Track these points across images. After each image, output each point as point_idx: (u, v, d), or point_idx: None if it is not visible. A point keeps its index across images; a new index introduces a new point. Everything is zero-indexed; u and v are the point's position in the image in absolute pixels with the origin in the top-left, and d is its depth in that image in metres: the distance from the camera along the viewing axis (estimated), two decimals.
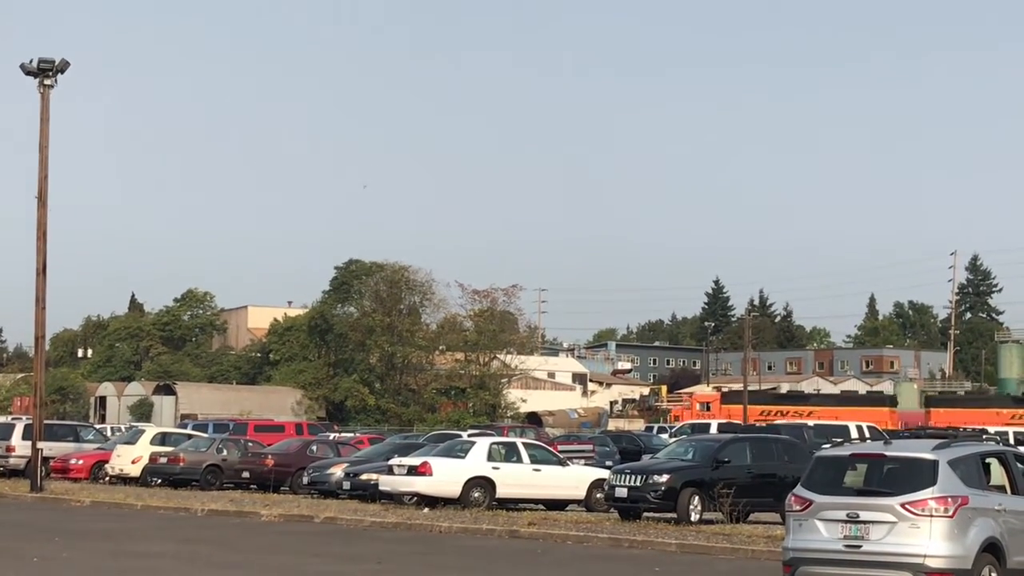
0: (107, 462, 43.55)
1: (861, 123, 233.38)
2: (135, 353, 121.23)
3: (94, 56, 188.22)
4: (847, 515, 15.76)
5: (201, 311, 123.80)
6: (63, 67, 37.64)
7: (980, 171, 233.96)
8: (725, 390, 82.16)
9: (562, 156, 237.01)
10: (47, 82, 37.70)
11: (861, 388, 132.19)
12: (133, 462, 42.54)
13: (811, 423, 55.78)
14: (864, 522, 15.65)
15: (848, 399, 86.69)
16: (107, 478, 43.02)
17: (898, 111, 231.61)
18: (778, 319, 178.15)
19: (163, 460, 41.36)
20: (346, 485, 35.06)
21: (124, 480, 42.10)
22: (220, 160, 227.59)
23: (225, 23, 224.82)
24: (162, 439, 44.30)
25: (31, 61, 37.64)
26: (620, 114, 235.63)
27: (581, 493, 32.95)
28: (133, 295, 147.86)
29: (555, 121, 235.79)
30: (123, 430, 58.21)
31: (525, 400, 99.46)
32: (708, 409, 78.24)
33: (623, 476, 28.87)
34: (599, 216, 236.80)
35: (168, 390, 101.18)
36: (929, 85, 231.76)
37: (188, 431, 49.74)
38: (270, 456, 40.68)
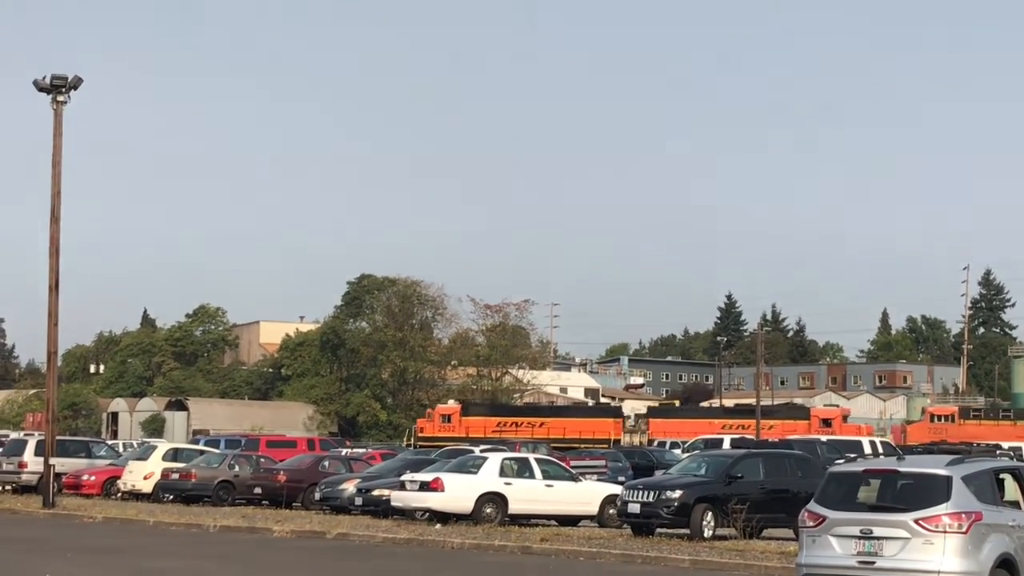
0: (119, 478, 43.57)
1: (874, 135, 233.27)
2: (147, 369, 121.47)
3: (102, 69, 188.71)
4: (861, 531, 15.72)
5: (213, 326, 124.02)
6: (76, 83, 37.71)
7: (994, 184, 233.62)
8: (467, 402, 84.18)
9: (574, 172, 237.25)
10: (60, 98, 37.76)
11: (874, 403, 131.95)
12: (145, 478, 42.56)
13: (824, 438, 55.39)
14: (878, 538, 15.61)
15: (578, 410, 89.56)
16: (119, 494, 43.04)
17: (911, 124, 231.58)
18: (791, 334, 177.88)
19: (175, 476, 41.37)
20: (358, 501, 35.01)
21: (136, 496, 42.12)
22: (232, 175, 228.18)
23: (234, 36, 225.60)
24: (174, 455, 44.31)
25: (44, 77, 37.67)
26: (630, 128, 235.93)
27: (594, 509, 32.87)
28: (145, 311, 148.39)
29: (567, 138, 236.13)
30: (135, 446, 58.32)
31: None
32: (449, 421, 79.24)
33: (636, 492, 28.79)
34: (611, 231, 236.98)
35: (180, 406, 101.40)
36: (943, 97, 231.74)
37: (200, 447, 49.77)
38: (282, 472, 40.65)
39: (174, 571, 22.62)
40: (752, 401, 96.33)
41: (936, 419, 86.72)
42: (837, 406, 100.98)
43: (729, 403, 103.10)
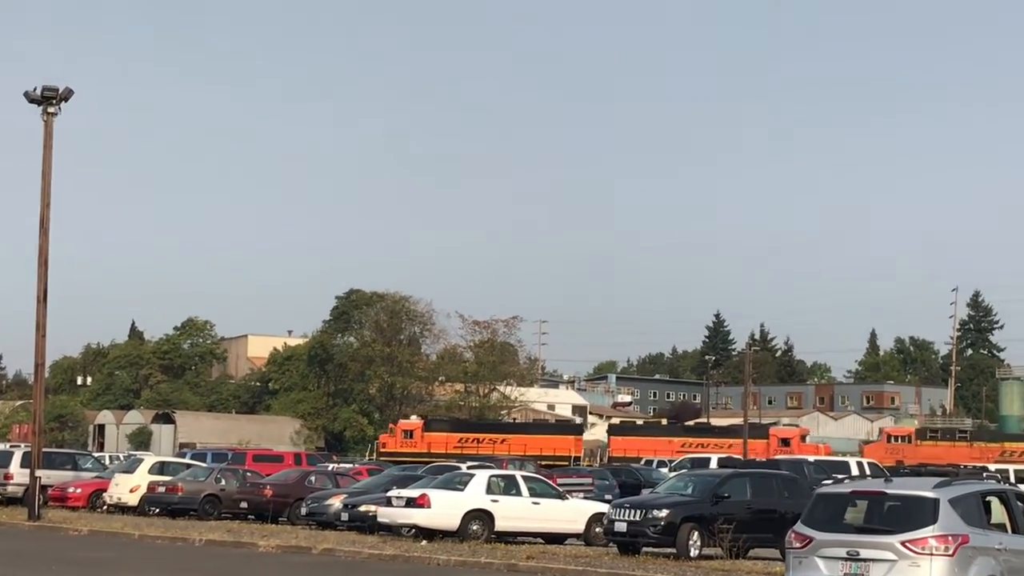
0: (105, 491, 43.41)
1: (864, 157, 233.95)
2: (134, 381, 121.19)
3: (93, 82, 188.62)
4: (847, 553, 15.70)
5: (201, 340, 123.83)
6: (67, 95, 37.62)
7: (982, 207, 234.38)
8: (429, 418, 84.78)
9: (563, 188, 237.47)
10: (51, 110, 37.65)
11: (861, 423, 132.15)
12: (131, 491, 42.42)
13: (811, 458, 55.39)
14: (864, 560, 15.59)
15: (538, 427, 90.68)
16: (105, 507, 42.89)
17: (901, 145, 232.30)
18: (779, 353, 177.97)
19: (161, 489, 41.25)
20: (344, 516, 34.95)
21: (122, 509, 41.96)
22: (221, 188, 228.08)
23: (228, 49, 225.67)
24: (160, 468, 44.18)
25: (35, 89, 37.55)
26: (623, 146, 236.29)
27: (580, 527, 32.82)
28: (133, 323, 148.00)
29: (558, 152, 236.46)
30: (121, 459, 58.15)
31: None
32: (411, 437, 79.83)
33: (622, 510, 28.75)
34: (600, 248, 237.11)
35: (167, 419, 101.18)
36: (934, 119, 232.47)
37: (186, 460, 49.64)
38: (268, 486, 40.56)
39: None
40: (735, 421, 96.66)
41: (893, 439, 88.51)
42: (797, 425, 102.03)
43: (722, 422, 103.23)
